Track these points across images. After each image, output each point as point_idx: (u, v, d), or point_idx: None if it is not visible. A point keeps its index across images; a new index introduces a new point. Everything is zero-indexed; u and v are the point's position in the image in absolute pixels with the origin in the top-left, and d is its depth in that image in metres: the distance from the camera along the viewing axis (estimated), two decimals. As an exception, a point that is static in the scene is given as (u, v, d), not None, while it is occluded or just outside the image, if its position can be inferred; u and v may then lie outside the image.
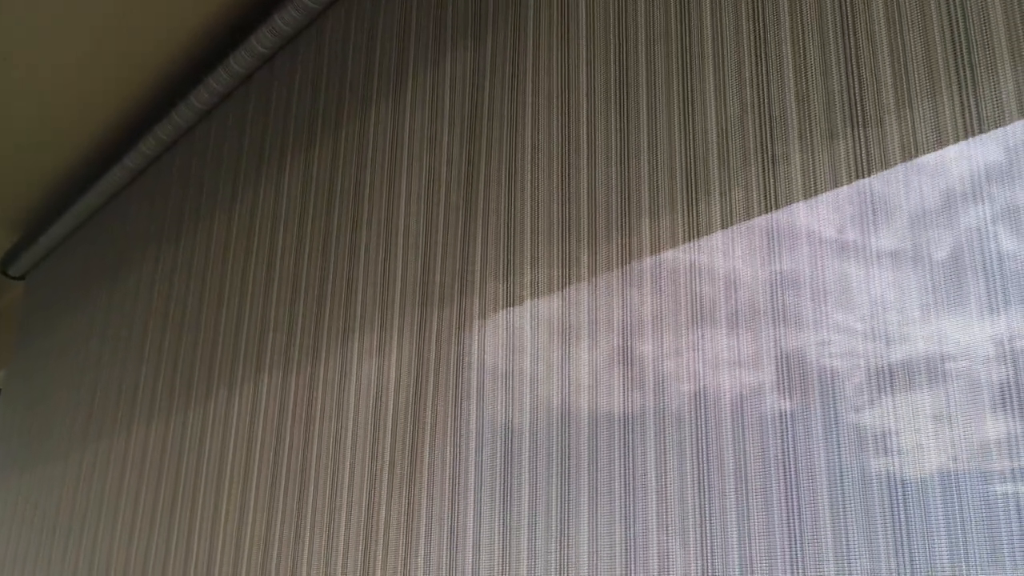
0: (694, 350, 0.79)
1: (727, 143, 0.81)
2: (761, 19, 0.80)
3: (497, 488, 0.93)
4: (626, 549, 0.79)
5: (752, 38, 0.80)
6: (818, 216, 0.75)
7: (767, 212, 0.78)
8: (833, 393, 0.68)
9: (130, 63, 1.87)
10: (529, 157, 1.03)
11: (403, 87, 1.26)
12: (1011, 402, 0.59)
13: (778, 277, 0.79)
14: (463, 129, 1.12)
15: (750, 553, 0.70)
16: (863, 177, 0.70)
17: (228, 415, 1.40)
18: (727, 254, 0.82)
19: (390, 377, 1.10)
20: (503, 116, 1.08)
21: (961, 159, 0.65)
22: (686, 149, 0.84)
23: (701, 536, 0.73)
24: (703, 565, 0.72)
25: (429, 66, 1.22)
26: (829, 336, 0.72)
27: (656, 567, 0.76)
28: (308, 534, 1.15)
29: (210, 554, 1.34)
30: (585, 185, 0.95)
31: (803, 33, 0.76)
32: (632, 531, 0.79)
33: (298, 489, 1.21)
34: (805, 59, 0.75)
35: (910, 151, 0.67)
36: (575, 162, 0.97)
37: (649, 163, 0.87)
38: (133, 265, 2.00)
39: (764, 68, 0.78)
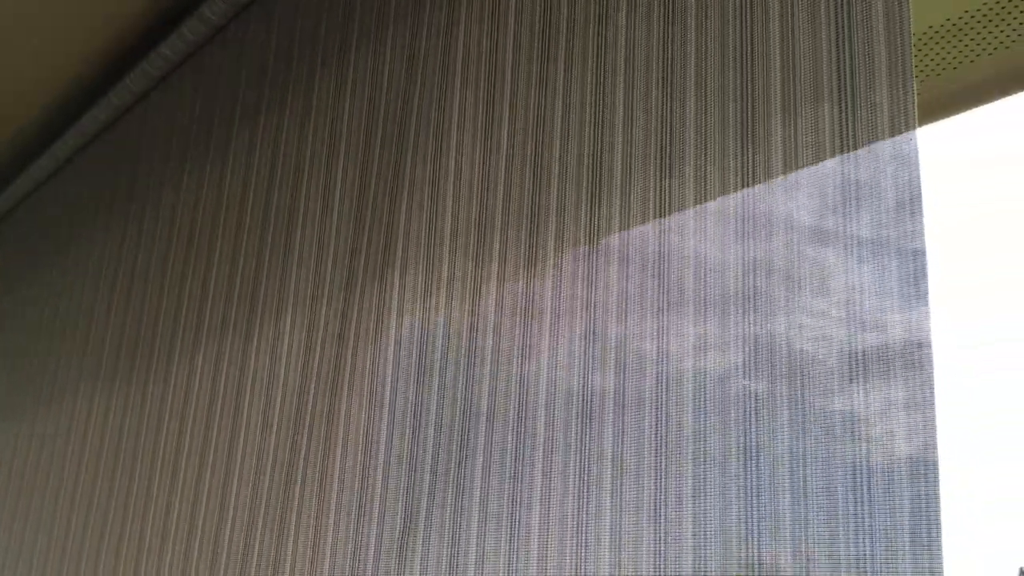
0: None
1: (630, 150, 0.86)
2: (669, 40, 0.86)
3: (453, 468, 0.92)
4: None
5: (660, 64, 0.85)
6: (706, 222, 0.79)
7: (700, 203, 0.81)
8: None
9: (84, 25, 1.88)
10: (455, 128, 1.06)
11: (346, 63, 1.30)
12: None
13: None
14: (403, 106, 1.16)
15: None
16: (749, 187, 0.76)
17: (189, 384, 1.41)
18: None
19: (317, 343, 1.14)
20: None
21: (836, 173, 0.70)
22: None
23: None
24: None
25: (371, 43, 1.25)
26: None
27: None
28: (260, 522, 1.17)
29: (165, 521, 1.36)
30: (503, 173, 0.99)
31: (706, 58, 0.81)
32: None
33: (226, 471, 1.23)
34: (706, 82, 0.81)
35: (791, 165, 0.73)
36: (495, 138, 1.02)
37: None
38: (84, 235, 2.01)
39: (668, 93, 0.83)
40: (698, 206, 0.79)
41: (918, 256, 0.63)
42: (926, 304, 0.61)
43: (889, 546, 0.58)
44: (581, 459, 0.80)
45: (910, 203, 0.64)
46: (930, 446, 0.58)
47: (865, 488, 0.61)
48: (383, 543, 0.96)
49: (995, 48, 1.09)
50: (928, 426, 0.59)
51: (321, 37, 1.37)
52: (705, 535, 0.68)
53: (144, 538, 1.39)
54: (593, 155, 0.89)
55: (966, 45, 1.10)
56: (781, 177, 0.73)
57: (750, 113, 0.75)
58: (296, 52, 1.43)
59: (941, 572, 0.55)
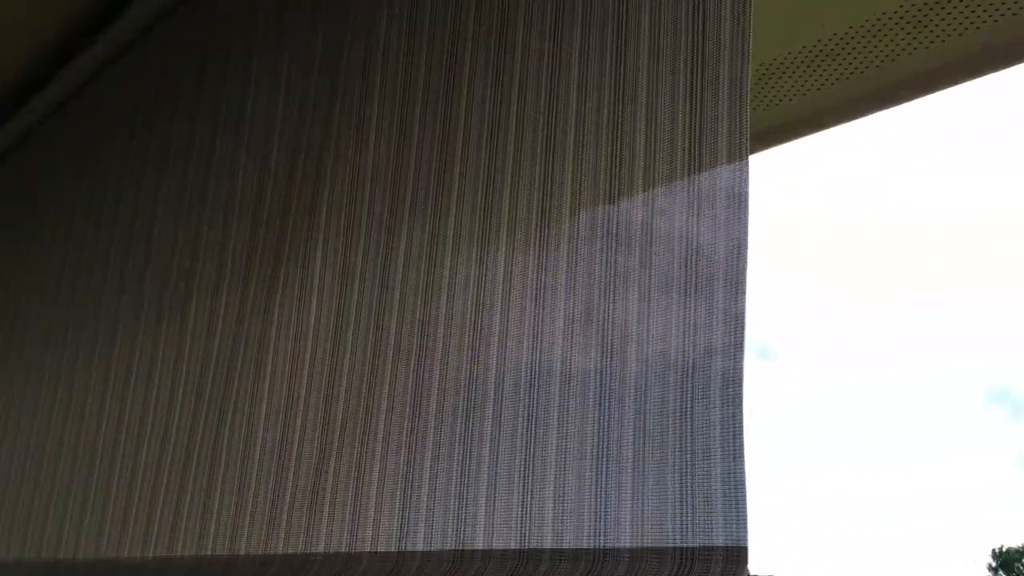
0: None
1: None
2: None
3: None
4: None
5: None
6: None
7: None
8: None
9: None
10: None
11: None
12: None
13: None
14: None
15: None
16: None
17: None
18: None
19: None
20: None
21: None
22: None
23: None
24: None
25: None
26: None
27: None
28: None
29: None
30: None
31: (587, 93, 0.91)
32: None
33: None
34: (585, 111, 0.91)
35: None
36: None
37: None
38: (100, 162, 1.96)
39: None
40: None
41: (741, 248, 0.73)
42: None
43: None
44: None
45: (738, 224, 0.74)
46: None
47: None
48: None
49: (834, 81, 1.30)
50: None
51: None
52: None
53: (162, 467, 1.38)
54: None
55: (808, 77, 1.32)
56: (641, 194, 0.83)
57: (619, 142, 0.86)
58: None
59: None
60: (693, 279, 0.76)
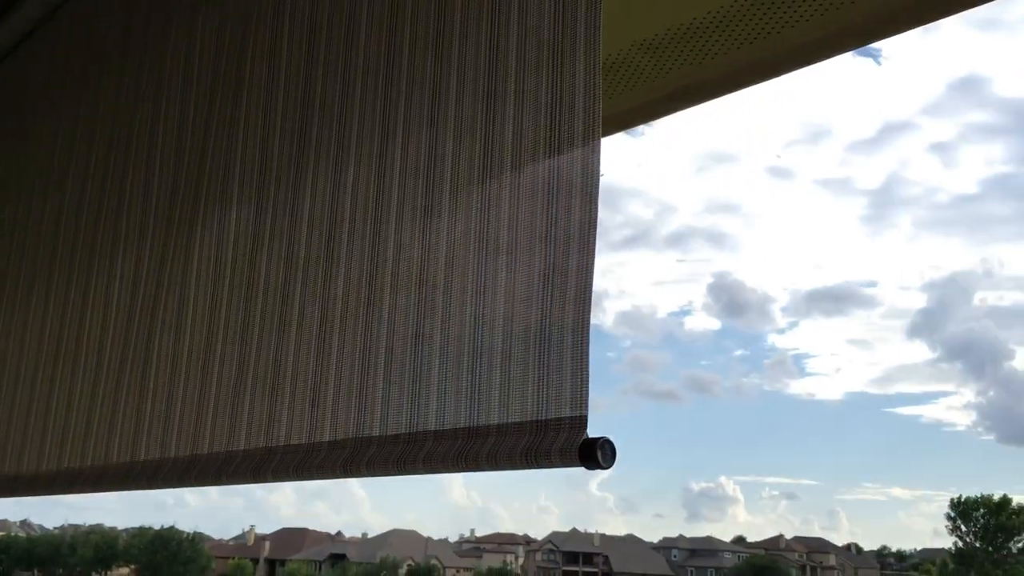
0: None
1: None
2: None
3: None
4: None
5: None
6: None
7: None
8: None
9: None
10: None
11: None
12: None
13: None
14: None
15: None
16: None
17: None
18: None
19: None
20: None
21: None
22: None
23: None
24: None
25: None
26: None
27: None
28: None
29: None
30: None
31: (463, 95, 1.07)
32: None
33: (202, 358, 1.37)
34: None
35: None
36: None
37: None
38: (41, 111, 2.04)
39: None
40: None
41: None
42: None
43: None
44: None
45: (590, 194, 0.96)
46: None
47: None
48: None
49: (669, 70, 1.47)
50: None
51: None
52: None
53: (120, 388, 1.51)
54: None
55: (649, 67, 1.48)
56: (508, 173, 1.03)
57: (491, 127, 1.05)
58: None
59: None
60: (552, 231, 0.99)
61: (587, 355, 0.94)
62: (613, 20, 1.38)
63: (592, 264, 0.95)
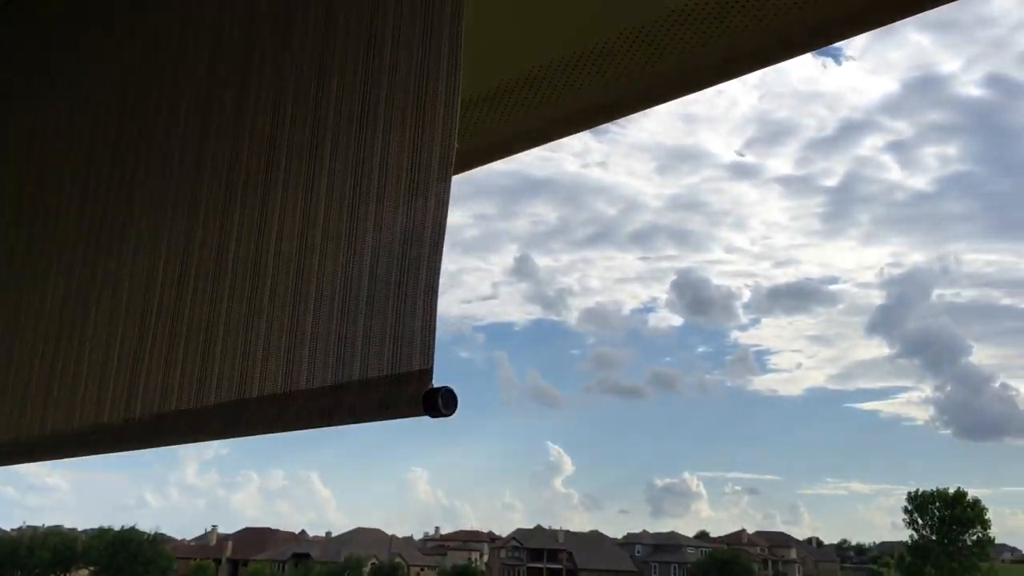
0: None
1: None
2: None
3: None
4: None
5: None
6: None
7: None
8: None
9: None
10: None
11: None
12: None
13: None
14: None
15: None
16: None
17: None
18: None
19: None
20: None
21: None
22: None
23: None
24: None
25: None
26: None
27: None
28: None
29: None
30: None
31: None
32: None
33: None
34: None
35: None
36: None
37: None
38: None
39: None
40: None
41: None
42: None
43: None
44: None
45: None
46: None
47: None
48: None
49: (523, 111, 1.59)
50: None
51: None
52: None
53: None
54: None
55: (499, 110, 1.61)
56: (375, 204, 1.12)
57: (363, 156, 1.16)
58: None
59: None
60: (411, 229, 1.07)
61: (435, 313, 1.02)
62: (531, 36, 1.48)
63: (444, 224, 1.03)
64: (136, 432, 1.36)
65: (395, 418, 1.03)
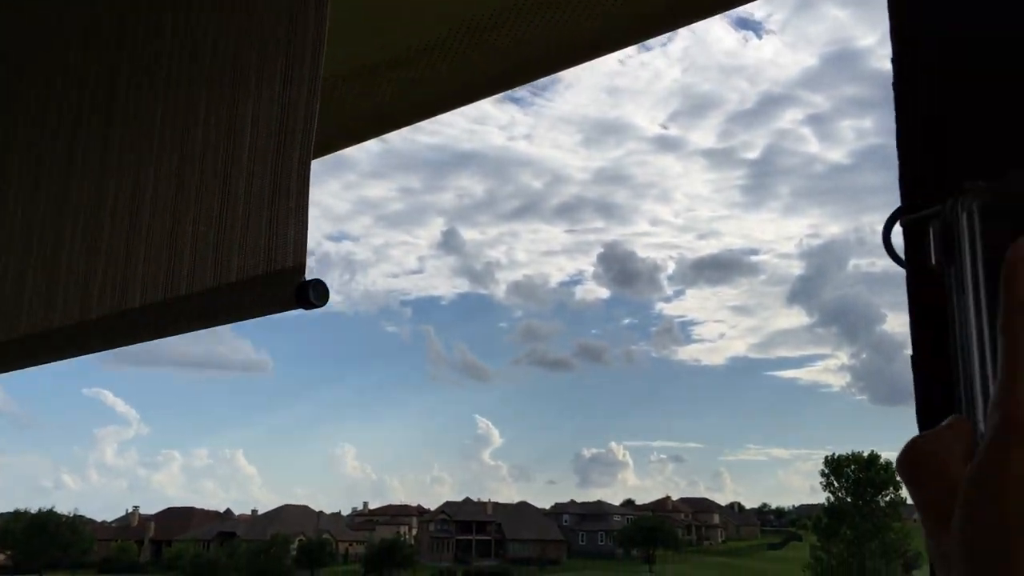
0: None
1: None
2: None
3: None
4: None
5: None
6: None
7: None
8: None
9: None
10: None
11: None
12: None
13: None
14: None
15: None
16: None
17: None
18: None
19: None
20: None
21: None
22: None
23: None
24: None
25: None
26: None
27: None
28: None
29: None
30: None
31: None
32: None
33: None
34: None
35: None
36: None
37: None
38: None
39: None
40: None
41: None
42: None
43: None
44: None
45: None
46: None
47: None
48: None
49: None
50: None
51: None
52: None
53: None
54: None
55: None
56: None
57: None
58: None
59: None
60: (285, 128, 1.09)
61: (307, 212, 1.05)
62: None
63: (314, 121, 1.06)
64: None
65: (272, 313, 1.06)
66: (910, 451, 0.51)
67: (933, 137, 0.77)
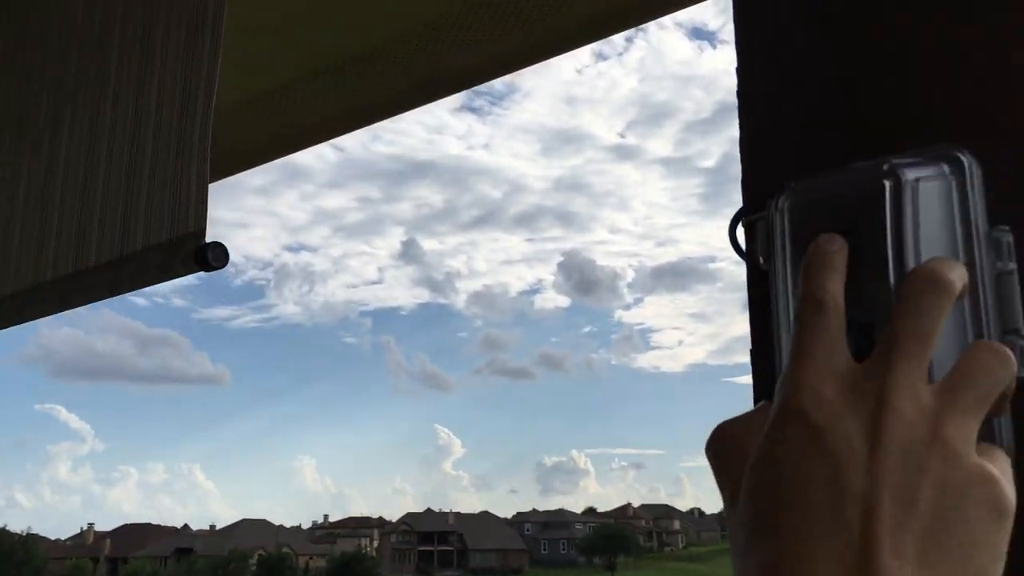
0: None
1: None
2: None
3: None
4: None
5: None
6: None
7: None
8: None
9: None
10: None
11: None
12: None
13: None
14: None
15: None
16: None
17: None
18: None
19: None
20: None
21: None
22: None
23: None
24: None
25: None
26: None
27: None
28: None
29: None
30: None
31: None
32: None
33: None
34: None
35: None
36: None
37: None
38: None
39: None
40: None
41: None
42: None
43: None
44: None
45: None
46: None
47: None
48: None
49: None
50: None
51: None
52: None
53: None
54: None
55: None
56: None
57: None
58: None
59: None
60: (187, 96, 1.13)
61: (207, 179, 1.09)
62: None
63: (214, 93, 1.09)
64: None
65: (174, 278, 1.10)
66: (716, 433, 0.53)
67: (771, 141, 0.82)
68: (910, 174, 0.54)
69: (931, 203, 0.54)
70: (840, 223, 0.54)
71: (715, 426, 0.54)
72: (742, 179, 0.83)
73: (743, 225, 0.75)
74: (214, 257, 1.05)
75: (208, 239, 1.06)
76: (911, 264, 0.52)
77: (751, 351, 0.80)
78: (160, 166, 1.13)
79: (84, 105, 1.27)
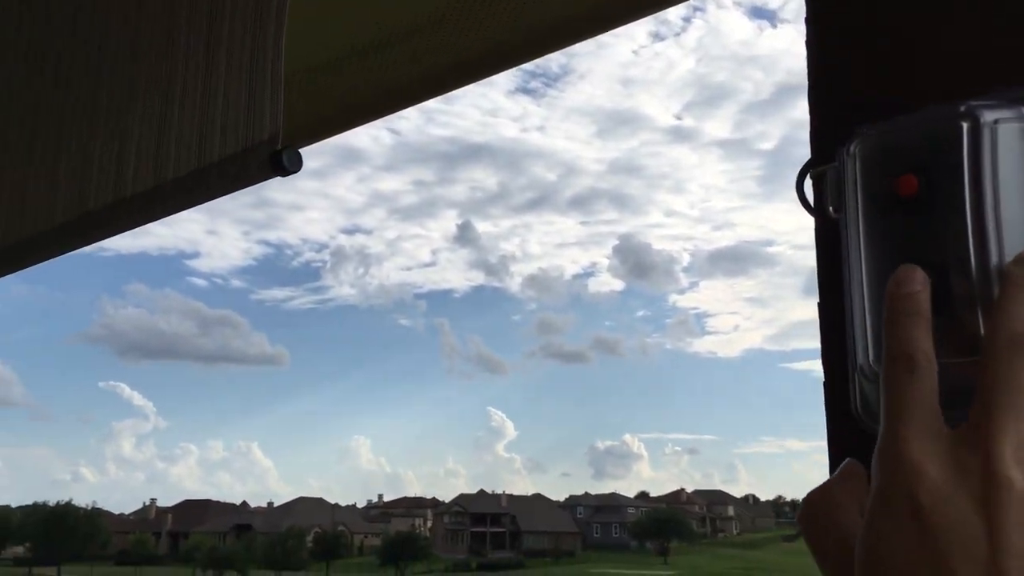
0: None
1: None
2: None
3: None
4: None
5: None
6: None
7: None
8: None
9: None
10: None
11: None
12: None
13: None
14: None
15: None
16: None
17: None
18: None
19: None
20: None
21: None
22: None
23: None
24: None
25: None
26: None
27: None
28: None
29: None
30: None
31: None
32: None
33: None
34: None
35: None
36: None
37: None
38: None
39: None
40: None
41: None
42: None
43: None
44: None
45: None
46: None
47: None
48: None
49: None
50: None
51: None
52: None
53: None
54: None
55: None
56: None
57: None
58: None
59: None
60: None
61: (281, 84, 1.13)
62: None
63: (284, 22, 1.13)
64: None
65: (249, 184, 1.15)
66: (805, 506, 0.51)
67: (840, 89, 0.79)
68: (988, 116, 0.52)
69: (1010, 145, 0.52)
70: (915, 167, 0.53)
71: (804, 497, 0.51)
72: (810, 130, 0.80)
73: (811, 177, 0.73)
74: (289, 162, 1.09)
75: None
76: (989, 209, 0.51)
77: (819, 303, 0.79)
78: (235, 73, 1.18)
79: (158, 22, 1.32)
